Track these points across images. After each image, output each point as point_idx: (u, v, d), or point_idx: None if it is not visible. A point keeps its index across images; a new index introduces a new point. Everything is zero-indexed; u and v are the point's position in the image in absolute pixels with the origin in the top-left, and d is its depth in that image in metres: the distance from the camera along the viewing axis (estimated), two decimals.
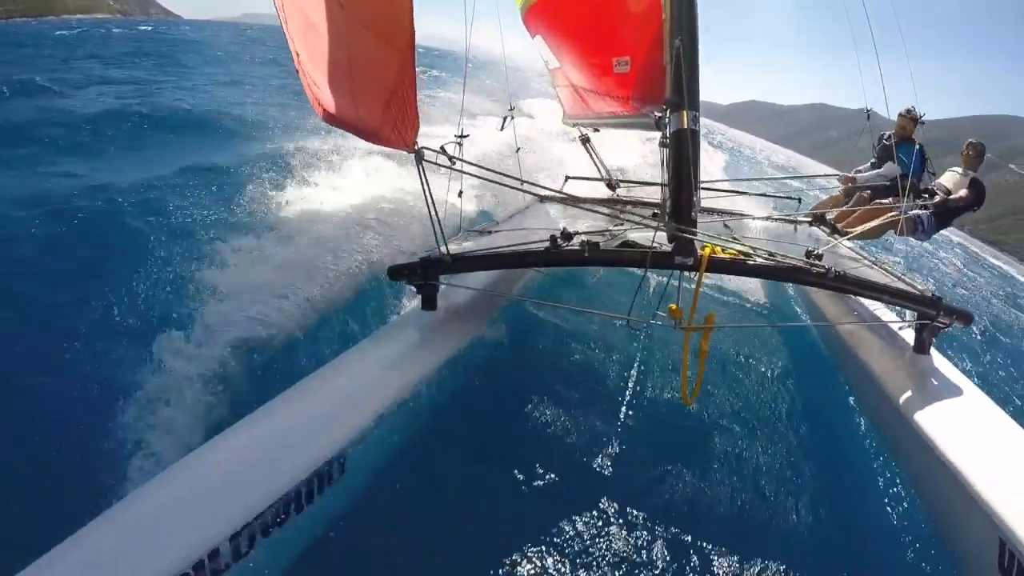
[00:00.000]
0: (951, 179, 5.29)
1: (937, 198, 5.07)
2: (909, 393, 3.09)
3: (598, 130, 5.51)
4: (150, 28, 33.49)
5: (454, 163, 2.89)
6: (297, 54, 2.69)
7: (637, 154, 9.05)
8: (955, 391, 3.03)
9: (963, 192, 5.04)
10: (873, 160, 5.80)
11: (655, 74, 3.41)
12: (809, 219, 5.49)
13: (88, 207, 5.05)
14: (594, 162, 5.63)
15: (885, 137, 5.58)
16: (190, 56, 18.58)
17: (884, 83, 4.22)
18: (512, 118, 4.46)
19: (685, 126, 3.05)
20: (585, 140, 5.56)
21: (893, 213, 4.87)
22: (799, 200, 5.60)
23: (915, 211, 4.95)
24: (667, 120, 3.15)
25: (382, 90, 2.48)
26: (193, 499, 2.04)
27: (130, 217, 4.98)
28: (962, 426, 2.73)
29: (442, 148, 2.84)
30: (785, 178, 8.04)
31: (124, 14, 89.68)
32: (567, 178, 5.48)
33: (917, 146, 5.32)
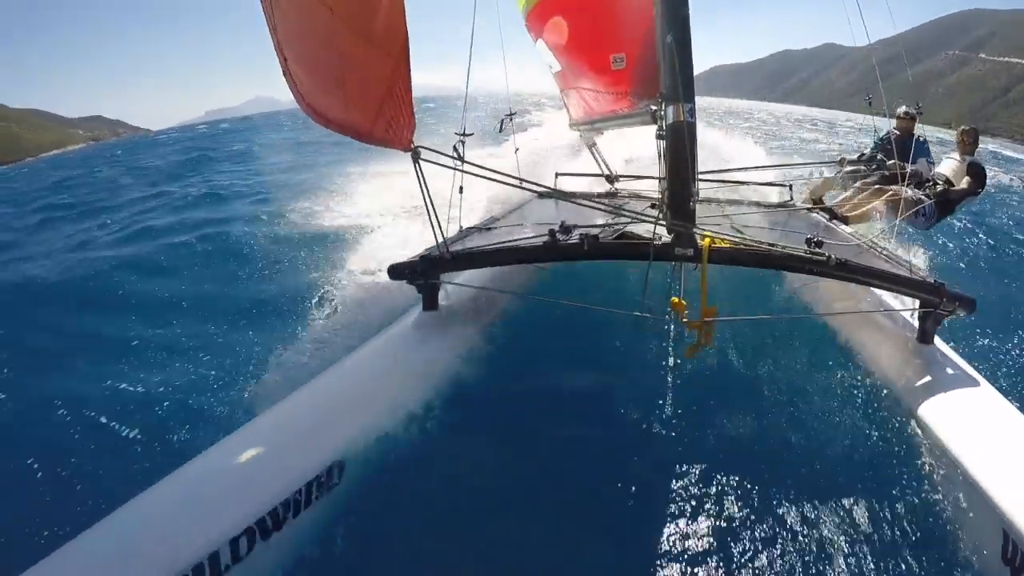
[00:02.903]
0: (950, 167, 5.32)
1: (939, 188, 5.09)
2: (912, 384, 3.07)
3: (602, 133, 5.52)
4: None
5: (460, 163, 2.89)
6: (285, 59, 2.67)
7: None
8: (959, 381, 3.00)
9: (964, 184, 5.06)
10: (865, 153, 5.81)
11: (650, 69, 3.41)
12: (808, 205, 5.47)
13: None
14: (597, 162, 5.63)
15: (887, 136, 5.63)
16: None
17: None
18: (511, 120, 4.51)
19: (681, 118, 3.07)
20: (591, 144, 5.59)
21: (892, 198, 4.85)
22: (790, 187, 5.62)
23: (916, 196, 4.95)
24: (663, 113, 3.15)
25: (375, 91, 2.46)
26: (194, 502, 2.07)
27: None
28: (966, 417, 2.70)
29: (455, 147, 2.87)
30: (783, 166, 7.97)
31: (96, 139, 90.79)
32: (557, 175, 5.46)
33: (920, 139, 5.44)
